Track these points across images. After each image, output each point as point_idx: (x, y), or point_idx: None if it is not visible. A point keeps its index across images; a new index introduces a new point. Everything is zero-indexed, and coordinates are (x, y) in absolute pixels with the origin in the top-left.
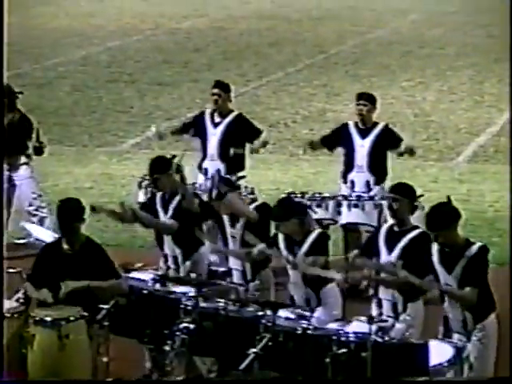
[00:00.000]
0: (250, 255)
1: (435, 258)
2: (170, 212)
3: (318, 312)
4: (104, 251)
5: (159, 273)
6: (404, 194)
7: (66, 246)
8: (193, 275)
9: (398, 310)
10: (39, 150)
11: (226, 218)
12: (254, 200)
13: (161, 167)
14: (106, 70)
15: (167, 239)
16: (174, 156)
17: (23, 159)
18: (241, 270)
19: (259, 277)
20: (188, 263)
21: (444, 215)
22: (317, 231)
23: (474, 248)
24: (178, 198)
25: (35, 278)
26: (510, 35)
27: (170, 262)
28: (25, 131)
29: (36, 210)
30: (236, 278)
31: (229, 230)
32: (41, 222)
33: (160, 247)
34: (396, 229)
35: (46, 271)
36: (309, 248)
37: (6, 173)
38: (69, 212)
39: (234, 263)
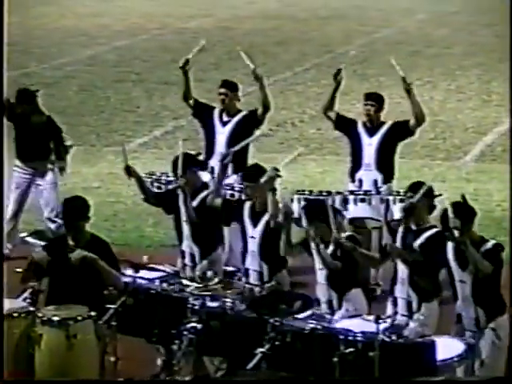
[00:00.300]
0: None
1: (450, 254)
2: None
3: (339, 314)
4: (109, 248)
5: (175, 268)
6: (423, 193)
7: (71, 243)
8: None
9: (412, 309)
10: (65, 150)
11: (247, 219)
12: None
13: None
14: (113, 70)
15: (186, 236)
16: (198, 153)
17: (49, 165)
18: (258, 270)
19: (276, 278)
20: (205, 262)
21: (460, 214)
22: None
23: (489, 245)
24: (200, 196)
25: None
26: (509, 35)
27: (187, 260)
28: (50, 134)
29: (56, 216)
30: (252, 278)
31: (250, 230)
32: (59, 229)
33: (179, 243)
34: (414, 228)
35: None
36: (334, 250)
37: (28, 176)
38: (74, 210)
39: (251, 264)
